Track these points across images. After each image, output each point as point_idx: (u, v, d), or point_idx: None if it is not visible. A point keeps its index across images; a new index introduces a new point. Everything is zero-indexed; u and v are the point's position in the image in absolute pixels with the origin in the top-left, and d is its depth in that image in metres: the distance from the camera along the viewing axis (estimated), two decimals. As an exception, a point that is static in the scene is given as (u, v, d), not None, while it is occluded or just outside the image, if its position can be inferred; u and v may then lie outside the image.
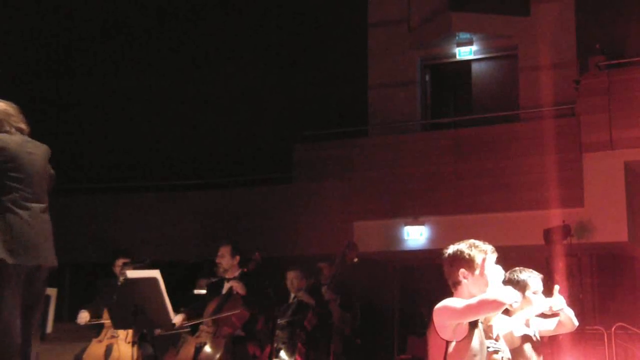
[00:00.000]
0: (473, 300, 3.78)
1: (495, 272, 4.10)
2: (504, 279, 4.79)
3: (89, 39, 16.19)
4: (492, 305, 3.74)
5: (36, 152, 4.99)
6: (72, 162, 14.87)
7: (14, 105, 4.97)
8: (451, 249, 4.09)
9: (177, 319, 7.09)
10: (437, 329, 3.85)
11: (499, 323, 4.39)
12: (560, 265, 9.90)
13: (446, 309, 3.82)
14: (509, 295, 3.74)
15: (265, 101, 14.93)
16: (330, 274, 9.54)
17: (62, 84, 15.73)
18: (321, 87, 14.74)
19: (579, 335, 8.96)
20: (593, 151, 11.35)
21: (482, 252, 4.00)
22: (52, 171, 5.25)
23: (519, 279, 4.89)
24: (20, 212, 4.80)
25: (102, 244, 13.18)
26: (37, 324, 4.98)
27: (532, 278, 4.92)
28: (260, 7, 15.62)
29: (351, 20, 14.76)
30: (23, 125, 4.96)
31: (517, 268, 4.96)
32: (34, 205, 4.90)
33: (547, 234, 10.38)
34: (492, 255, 4.03)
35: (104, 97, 15.53)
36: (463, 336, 3.82)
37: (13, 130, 4.88)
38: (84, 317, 7.28)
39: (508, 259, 4.86)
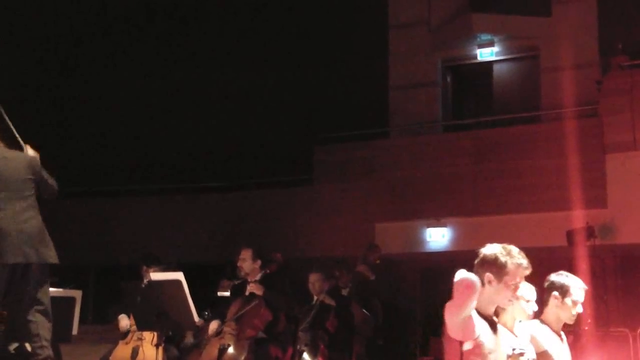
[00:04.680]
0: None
1: (522, 288, 4.03)
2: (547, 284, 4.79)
3: (94, 39, 16.21)
4: (462, 286, 3.59)
5: (12, 158, 5.41)
6: (97, 165, 14.99)
7: None
8: (487, 250, 3.99)
9: (212, 325, 7.16)
10: (448, 329, 3.83)
11: (525, 326, 4.39)
12: (583, 267, 9.83)
13: (447, 306, 3.79)
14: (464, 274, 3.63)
15: (286, 103, 14.96)
16: (349, 279, 9.56)
17: (78, 86, 15.83)
18: (342, 89, 14.74)
19: (604, 337, 8.91)
20: (616, 152, 11.27)
21: (516, 264, 3.90)
22: (53, 183, 5.54)
23: (562, 283, 4.86)
24: None
25: (126, 246, 13.27)
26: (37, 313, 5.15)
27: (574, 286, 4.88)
28: (282, 7, 15.64)
29: (372, 22, 14.75)
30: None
31: (562, 272, 4.93)
32: (14, 205, 5.21)
33: (570, 235, 10.32)
34: (524, 272, 3.93)
35: (132, 98, 15.58)
36: (475, 335, 3.79)
37: None
38: (125, 325, 7.32)
39: (530, 260, 4.85)
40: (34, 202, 5.42)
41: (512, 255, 3.92)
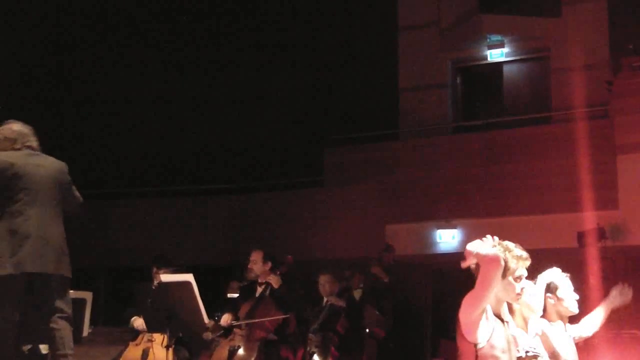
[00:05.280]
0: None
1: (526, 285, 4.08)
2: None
3: (95, 40, 16.23)
4: (489, 263, 3.72)
5: (45, 165, 5.37)
6: (107, 167, 15.04)
7: (28, 127, 5.49)
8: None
9: (224, 318, 7.19)
10: (464, 331, 3.84)
11: (537, 324, 4.39)
12: (594, 269, 9.79)
13: (465, 302, 3.81)
14: (487, 248, 3.74)
15: (297, 105, 14.97)
16: (361, 280, 9.56)
17: (83, 87, 15.88)
18: (352, 91, 14.75)
19: (615, 339, 8.85)
20: (627, 153, 11.22)
21: (516, 257, 3.94)
22: (78, 195, 5.48)
23: (549, 282, 4.90)
24: (25, 221, 5.05)
25: (136, 249, 13.31)
26: (54, 325, 5.11)
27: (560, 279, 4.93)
28: (291, 9, 15.66)
29: (382, 24, 14.75)
30: (33, 144, 5.45)
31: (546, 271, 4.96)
32: (43, 213, 5.13)
33: (581, 236, 10.29)
34: (525, 262, 3.98)
35: (142, 99, 15.60)
36: (489, 336, 3.80)
37: (22, 147, 5.35)
38: (141, 323, 7.33)
39: (541, 262, 4.84)
40: (60, 211, 5.38)
41: (510, 250, 3.96)
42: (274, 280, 7.29)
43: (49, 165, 5.41)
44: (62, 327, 5.16)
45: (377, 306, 9.18)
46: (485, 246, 3.80)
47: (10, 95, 13.47)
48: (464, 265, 3.93)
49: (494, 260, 3.73)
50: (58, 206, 5.37)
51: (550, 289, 4.86)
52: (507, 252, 3.94)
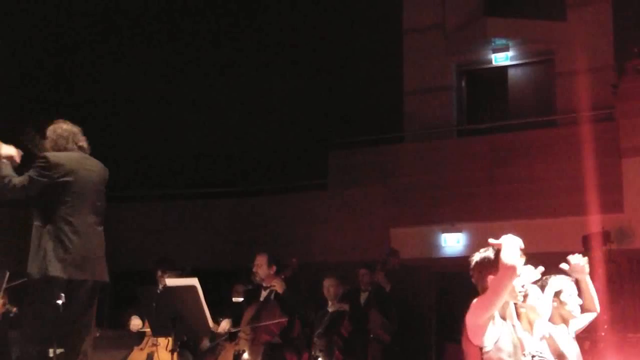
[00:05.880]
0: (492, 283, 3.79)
1: (524, 273, 4.10)
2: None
3: (100, 41, 16.24)
4: (507, 270, 3.75)
5: (94, 169, 5.34)
6: (111, 170, 15.00)
7: (77, 127, 5.43)
8: (478, 256, 4.10)
9: (223, 324, 7.18)
10: (470, 334, 3.86)
11: (543, 327, 4.39)
12: (599, 272, 9.77)
13: (475, 305, 3.84)
14: (512, 256, 3.76)
15: (301, 108, 14.95)
16: (370, 281, 9.56)
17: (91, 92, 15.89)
18: (356, 93, 14.73)
19: (621, 343, 8.84)
20: (632, 156, 11.20)
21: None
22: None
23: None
24: (75, 224, 5.03)
25: (141, 252, 13.30)
26: (86, 333, 5.09)
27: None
28: (296, 12, 15.65)
29: (386, 26, 14.74)
30: (84, 144, 5.40)
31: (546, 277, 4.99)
32: (88, 218, 5.10)
33: (586, 240, 10.26)
34: (521, 260, 4.00)
35: (134, 104, 15.59)
36: (496, 339, 3.81)
37: (75, 147, 5.30)
38: (137, 324, 7.34)
39: (546, 265, 4.84)
40: (102, 217, 5.37)
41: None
42: (279, 285, 7.29)
43: (98, 170, 5.41)
44: (88, 332, 5.18)
45: (381, 310, 9.17)
46: (514, 252, 3.81)
47: (10, 96, 13.51)
48: (493, 243, 3.96)
49: (510, 269, 3.74)
50: (101, 212, 5.37)
51: (555, 292, 4.89)
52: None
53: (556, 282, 4.92)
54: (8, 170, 5.08)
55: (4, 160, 5.12)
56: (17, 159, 5.22)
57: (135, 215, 14.51)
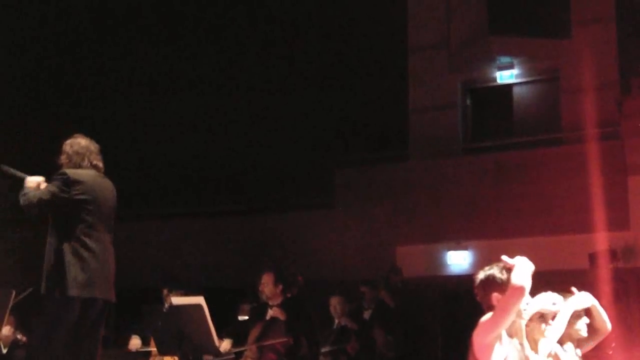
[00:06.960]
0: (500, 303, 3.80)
1: (542, 299, 4.09)
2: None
3: (108, 57, 16.30)
4: (515, 290, 3.76)
5: (108, 188, 5.37)
6: (117, 187, 15.02)
7: (95, 144, 5.40)
8: (483, 274, 4.10)
9: (224, 345, 7.15)
10: (477, 353, 3.85)
11: (548, 345, 4.39)
12: (606, 290, 9.73)
13: (483, 324, 3.83)
14: (523, 278, 3.78)
15: (307, 126, 14.99)
16: (373, 297, 9.54)
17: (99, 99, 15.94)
18: (362, 111, 14.77)
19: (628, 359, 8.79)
20: (638, 173, 11.18)
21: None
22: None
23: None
24: (92, 243, 5.03)
25: (146, 270, 13.29)
26: (94, 352, 5.08)
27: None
28: (301, 30, 15.72)
29: (391, 44, 14.79)
30: (99, 163, 5.38)
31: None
32: (104, 237, 5.11)
33: (593, 258, 10.24)
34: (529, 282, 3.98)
35: (150, 119, 15.63)
36: (502, 359, 3.81)
37: (89, 166, 5.28)
38: (135, 343, 7.35)
39: (552, 283, 4.84)
40: (112, 236, 5.39)
41: (508, 269, 3.99)
42: (279, 313, 7.24)
43: (111, 189, 5.42)
44: (96, 351, 5.17)
45: (384, 327, 9.15)
46: (525, 273, 3.82)
47: (14, 104, 13.54)
48: (506, 260, 3.97)
49: (519, 289, 3.75)
50: (112, 231, 5.39)
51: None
52: (505, 271, 4.00)
53: (575, 301, 4.90)
54: (31, 192, 5.08)
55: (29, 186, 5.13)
56: (42, 187, 5.21)
57: (142, 233, 14.51)
